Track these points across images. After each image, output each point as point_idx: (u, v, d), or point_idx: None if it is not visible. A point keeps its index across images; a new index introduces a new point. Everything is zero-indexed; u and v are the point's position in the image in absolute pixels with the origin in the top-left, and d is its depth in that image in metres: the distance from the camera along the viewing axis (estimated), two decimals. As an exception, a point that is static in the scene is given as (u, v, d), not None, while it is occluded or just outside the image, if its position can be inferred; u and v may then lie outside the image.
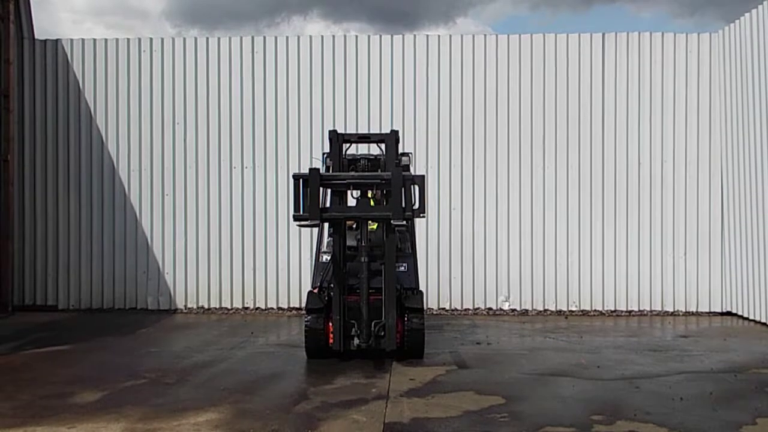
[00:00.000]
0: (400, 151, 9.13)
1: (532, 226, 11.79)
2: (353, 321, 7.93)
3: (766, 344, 9.32)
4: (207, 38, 12.07)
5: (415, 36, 12.01)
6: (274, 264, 11.91)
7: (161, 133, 12.02)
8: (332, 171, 8.53)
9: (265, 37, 12.04)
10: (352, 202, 8.58)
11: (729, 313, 11.59)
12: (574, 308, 11.80)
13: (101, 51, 12.04)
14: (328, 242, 8.81)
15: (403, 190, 7.61)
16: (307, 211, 7.61)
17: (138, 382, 7.27)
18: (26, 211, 12.07)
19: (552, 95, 11.79)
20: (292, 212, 7.85)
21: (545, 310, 11.83)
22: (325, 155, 9.25)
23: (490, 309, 11.84)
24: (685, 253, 11.75)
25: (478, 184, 11.82)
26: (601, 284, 11.77)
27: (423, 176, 7.90)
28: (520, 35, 11.86)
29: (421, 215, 7.88)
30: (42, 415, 6.10)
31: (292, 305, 11.92)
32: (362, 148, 9.35)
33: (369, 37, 12.04)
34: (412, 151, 11.15)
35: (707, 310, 11.74)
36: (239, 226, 11.95)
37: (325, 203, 8.31)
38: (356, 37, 12.04)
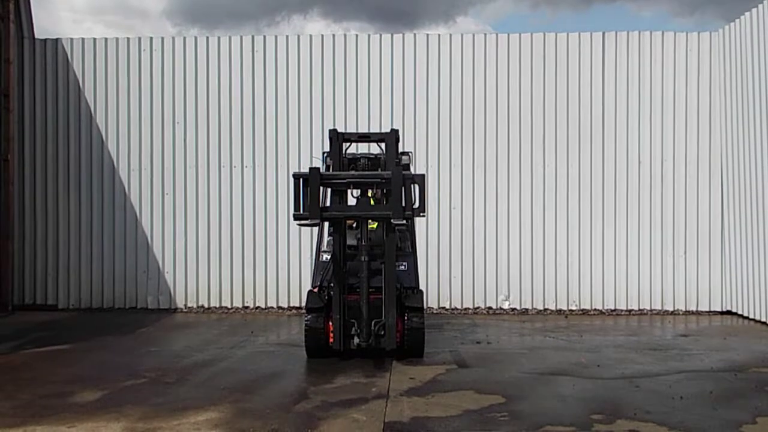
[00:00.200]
0: (400, 150, 9.13)
1: (532, 225, 11.79)
2: (353, 320, 7.93)
3: (766, 343, 9.32)
4: (207, 37, 12.07)
5: (415, 35, 12.02)
6: (274, 263, 11.91)
7: (161, 132, 12.02)
8: (332, 170, 8.53)
9: (265, 37, 12.04)
10: (352, 201, 8.58)
11: (729, 312, 11.59)
12: (574, 307, 11.80)
13: (101, 50, 12.04)
14: (328, 241, 8.80)
15: (403, 189, 7.61)
16: (307, 210, 7.61)
17: (138, 381, 7.27)
18: (26, 210, 12.07)
19: (552, 94, 11.79)
20: (292, 211, 7.86)
21: (545, 309, 11.83)
22: (325, 154, 9.24)
23: (490, 308, 11.85)
24: (685, 252, 11.76)
25: (478, 183, 11.82)
26: (601, 283, 11.77)
27: (423, 175, 7.91)
28: (520, 34, 11.86)
29: (421, 214, 7.89)
30: (42, 414, 6.09)
31: (292, 304, 11.92)
32: (362, 147, 9.35)
33: (369, 36, 12.04)
34: (412, 150, 11.15)
35: (707, 309, 11.74)
36: (239, 226, 11.95)
37: (325, 202, 8.30)
38: (356, 36, 12.04)
